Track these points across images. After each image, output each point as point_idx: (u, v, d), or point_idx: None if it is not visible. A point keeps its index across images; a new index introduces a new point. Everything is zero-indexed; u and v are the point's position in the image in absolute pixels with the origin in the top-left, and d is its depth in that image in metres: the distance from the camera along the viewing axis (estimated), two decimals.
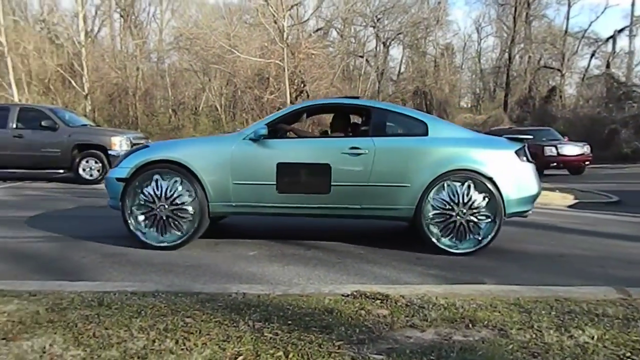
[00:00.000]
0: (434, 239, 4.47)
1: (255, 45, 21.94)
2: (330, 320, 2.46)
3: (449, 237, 4.47)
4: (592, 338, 2.33)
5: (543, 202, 8.68)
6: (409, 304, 2.74)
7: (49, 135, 10.18)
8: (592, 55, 32.36)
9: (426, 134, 4.59)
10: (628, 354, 2.17)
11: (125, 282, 3.36)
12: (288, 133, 5.19)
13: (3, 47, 20.64)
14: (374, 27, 31.34)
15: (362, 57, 30.37)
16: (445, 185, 4.44)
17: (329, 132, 5.55)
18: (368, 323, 2.44)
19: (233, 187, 4.52)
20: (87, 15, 26.91)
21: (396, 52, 37.56)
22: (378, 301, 2.77)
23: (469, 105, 38.87)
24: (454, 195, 4.41)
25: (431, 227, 4.46)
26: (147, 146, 4.89)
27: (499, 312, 2.64)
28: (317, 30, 28.77)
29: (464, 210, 4.40)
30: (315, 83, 21.46)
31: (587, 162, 15.05)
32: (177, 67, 26.04)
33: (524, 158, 4.61)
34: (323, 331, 2.31)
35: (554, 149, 14.33)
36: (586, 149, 14.84)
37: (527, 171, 4.58)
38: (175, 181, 4.54)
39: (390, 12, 30.93)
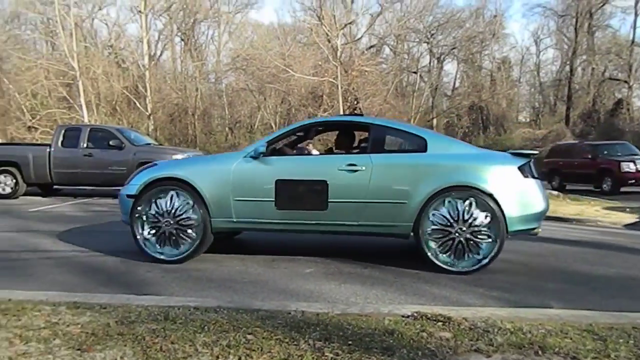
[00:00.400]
0: (432, 257, 4.37)
1: (309, 64, 22.30)
2: (391, 341, 2.42)
3: (447, 255, 4.35)
4: None
5: (612, 221, 8.20)
6: (472, 327, 2.65)
7: (116, 154, 10.74)
8: None
9: (425, 150, 4.53)
10: None
11: (188, 297, 3.46)
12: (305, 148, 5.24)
13: (75, 71, 22.09)
14: (427, 43, 31.12)
15: (415, 73, 30.15)
16: (444, 201, 4.34)
17: (334, 150, 5.53)
18: (430, 346, 2.37)
19: (234, 203, 4.60)
20: (151, 40, 28.40)
21: (450, 67, 37.05)
22: (440, 323, 2.69)
23: (528, 120, 37.53)
24: (452, 212, 4.31)
25: (430, 243, 4.37)
26: (156, 164, 5.07)
27: (571, 338, 2.50)
28: (369, 48, 28.92)
29: (463, 228, 4.28)
30: (369, 100, 21.49)
31: None
32: (234, 87, 26.87)
33: (529, 174, 4.43)
34: (384, 353, 2.27)
35: (632, 164, 13.46)
36: None
37: (531, 187, 4.41)
38: (180, 197, 4.66)
39: (444, 27, 30.65)
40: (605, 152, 14.72)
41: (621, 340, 2.49)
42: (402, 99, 27.56)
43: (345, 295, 3.70)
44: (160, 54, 32.03)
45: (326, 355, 2.24)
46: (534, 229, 4.50)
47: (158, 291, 3.73)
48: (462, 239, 4.29)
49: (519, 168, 4.41)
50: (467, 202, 4.30)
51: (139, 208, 4.71)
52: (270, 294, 3.72)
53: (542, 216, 4.55)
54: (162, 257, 4.66)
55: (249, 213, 4.62)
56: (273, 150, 4.81)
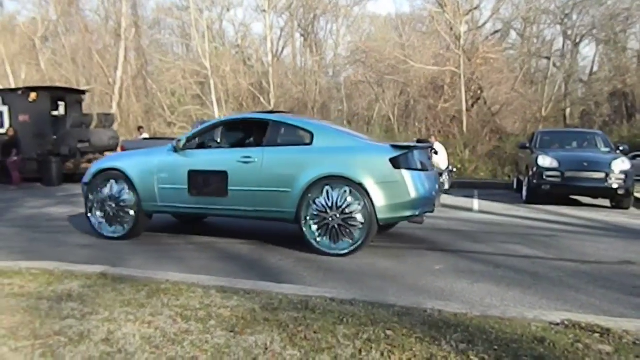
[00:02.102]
0: (311, 240, 4.79)
1: (429, 53, 21.63)
2: (542, 351, 2.25)
3: (325, 238, 4.75)
4: None
5: None
6: (637, 341, 2.37)
7: None
8: None
9: (311, 143, 4.97)
10: None
11: (321, 287, 3.55)
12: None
13: (207, 70, 23.91)
14: (561, 25, 28.45)
15: (547, 58, 27.73)
16: (321, 190, 4.75)
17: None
18: None
19: (158, 190, 5.34)
20: (273, 37, 29.67)
21: (588, 50, 33.51)
22: (597, 335, 2.45)
23: None
24: (327, 200, 4.72)
25: (310, 227, 4.80)
26: (107, 157, 5.92)
27: None
28: (494, 33, 27.22)
29: (337, 214, 4.69)
30: (494, 89, 20.27)
31: None
32: (352, 80, 27.06)
33: (403, 165, 4.68)
34: None
35: None
36: None
37: (401, 178, 4.65)
38: (119, 185, 5.47)
39: (582, 6, 27.75)
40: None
41: None
42: (532, 86, 25.55)
43: (479, 296, 3.55)
44: (282, 51, 33.31)
45: (471, 359, 2.16)
46: (411, 216, 4.84)
47: (292, 280, 3.90)
48: (335, 224, 4.70)
49: (392, 160, 4.68)
50: (340, 191, 4.72)
51: (90, 194, 5.59)
52: (401, 289, 3.69)
53: (417, 205, 4.75)
54: (106, 234, 5.51)
55: (170, 198, 5.33)
56: (201, 144, 5.57)
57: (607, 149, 9.90)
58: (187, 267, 4.25)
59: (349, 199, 4.69)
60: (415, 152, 4.90)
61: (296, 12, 30.20)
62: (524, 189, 9.77)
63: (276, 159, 5.03)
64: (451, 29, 19.92)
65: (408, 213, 4.78)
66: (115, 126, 18.12)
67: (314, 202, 4.77)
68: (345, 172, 4.70)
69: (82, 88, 19.87)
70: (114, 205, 5.48)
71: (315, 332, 2.43)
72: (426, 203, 4.89)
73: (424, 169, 4.96)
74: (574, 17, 28.06)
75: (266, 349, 2.24)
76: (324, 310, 2.79)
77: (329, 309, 2.82)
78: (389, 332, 2.45)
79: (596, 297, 3.54)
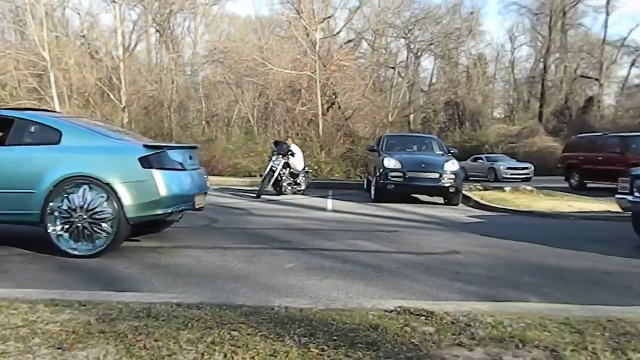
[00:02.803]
0: (58, 242, 4.59)
1: (287, 57, 22.13)
2: (376, 336, 2.44)
3: (73, 240, 4.59)
4: None
5: (585, 216, 8.42)
6: (454, 321, 2.68)
7: None
8: (632, 64, 31.55)
9: (58, 142, 4.80)
10: None
11: (169, 293, 3.41)
12: None
13: (46, 62, 21.45)
14: (405, 38, 31.29)
15: (393, 68, 30.30)
16: (67, 190, 4.60)
17: None
18: (414, 340, 2.40)
19: None
20: (125, 30, 27.74)
21: (427, 62, 37.38)
22: (423, 318, 2.72)
23: (503, 116, 38.19)
24: (74, 200, 4.59)
25: (57, 229, 4.59)
26: None
27: (549, 331, 2.56)
28: (347, 42, 28.85)
29: (84, 215, 4.57)
30: (347, 94, 21.47)
31: None
32: (211, 79, 26.51)
33: (153, 164, 4.74)
34: (369, 348, 2.29)
35: None
36: None
37: (150, 177, 4.69)
38: None
39: (422, 23, 30.82)
40: (635, 146, 12.88)
41: (597, 333, 2.55)
42: (380, 93, 27.66)
43: (327, 291, 3.71)
44: (135, 45, 31.36)
45: (312, 351, 2.24)
46: (163, 214, 4.87)
47: (138, 287, 3.68)
48: (83, 225, 4.56)
49: (140, 159, 4.70)
50: (88, 191, 4.60)
51: None
52: (252, 289, 3.70)
53: (169, 203, 4.82)
54: None
55: None
56: None
57: (441, 152, 11.13)
58: (11, 281, 3.76)
59: (97, 198, 4.58)
60: (169, 152, 4.98)
61: (150, 5, 28.62)
62: (372, 188, 10.51)
63: (20, 158, 4.77)
64: (307, 35, 20.61)
65: (159, 211, 4.79)
66: None
67: (61, 203, 4.58)
68: (92, 172, 4.60)
69: None
70: None
71: (156, 340, 2.32)
72: (181, 201, 4.97)
73: (181, 168, 5.05)
74: (416, 32, 31.09)
75: None
76: (168, 316, 2.68)
77: (173, 314, 2.71)
78: (234, 333, 2.43)
79: (427, 285, 3.94)
